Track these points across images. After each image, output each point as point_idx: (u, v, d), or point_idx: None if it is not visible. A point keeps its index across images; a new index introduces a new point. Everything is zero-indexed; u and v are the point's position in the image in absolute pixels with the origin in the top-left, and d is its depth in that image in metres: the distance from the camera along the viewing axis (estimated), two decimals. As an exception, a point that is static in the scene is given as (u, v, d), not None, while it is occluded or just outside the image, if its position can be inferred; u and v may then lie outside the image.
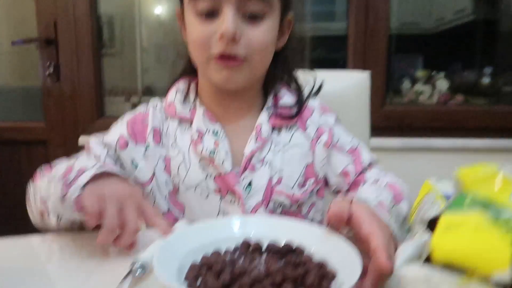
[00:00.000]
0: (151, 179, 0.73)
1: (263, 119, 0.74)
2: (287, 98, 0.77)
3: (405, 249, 0.36)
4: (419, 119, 1.61)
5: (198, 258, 0.48)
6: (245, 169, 0.72)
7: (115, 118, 0.79)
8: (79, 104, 1.73)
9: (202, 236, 0.51)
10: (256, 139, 0.73)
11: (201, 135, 0.72)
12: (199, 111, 0.74)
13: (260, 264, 0.46)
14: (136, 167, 0.72)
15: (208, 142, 0.71)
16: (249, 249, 0.50)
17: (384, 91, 1.61)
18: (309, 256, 0.49)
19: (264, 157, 0.73)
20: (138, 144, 0.73)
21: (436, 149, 1.56)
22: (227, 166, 0.71)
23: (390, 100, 1.75)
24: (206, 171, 0.72)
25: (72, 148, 1.61)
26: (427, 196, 0.53)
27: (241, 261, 0.47)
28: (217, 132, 0.72)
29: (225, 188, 0.71)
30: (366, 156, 0.77)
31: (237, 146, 0.73)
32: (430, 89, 1.75)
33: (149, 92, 2.08)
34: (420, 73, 1.84)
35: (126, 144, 0.73)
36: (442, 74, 1.77)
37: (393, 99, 1.81)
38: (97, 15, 1.76)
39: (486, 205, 0.30)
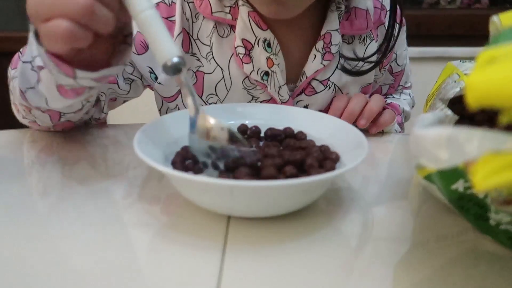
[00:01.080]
0: (176, 96, 0.60)
1: (333, 24, 0.57)
2: (360, 0, 0.59)
3: (425, 118, 0.31)
4: (439, 26, 1.49)
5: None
6: (302, 91, 0.58)
7: None
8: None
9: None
10: (324, 56, 0.57)
11: (248, 48, 0.55)
12: (243, 11, 0.54)
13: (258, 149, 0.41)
14: (155, 79, 0.58)
15: (259, 60, 0.55)
16: (246, 134, 0.46)
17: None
18: (312, 141, 0.44)
19: (329, 77, 0.59)
20: None
21: (457, 58, 1.46)
22: (284, 95, 0.57)
23: (407, 6, 1.61)
24: (252, 94, 0.58)
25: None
26: (450, 78, 0.47)
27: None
28: (269, 43, 0.55)
29: None
30: (403, 79, 0.74)
31: (292, 59, 0.57)
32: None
33: None
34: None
35: (145, 48, 0.56)
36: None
37: (411, 4, 1.67)
38: None
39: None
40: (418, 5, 1.66)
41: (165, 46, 0.35)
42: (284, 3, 0.48)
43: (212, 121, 0.39)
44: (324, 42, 0.56)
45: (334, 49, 0.57)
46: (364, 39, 0.60)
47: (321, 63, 0.57)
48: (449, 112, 0.36)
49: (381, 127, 0.58)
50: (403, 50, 0.70)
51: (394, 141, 0.59)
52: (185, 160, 0.41)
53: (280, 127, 0.47)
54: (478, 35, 1.48)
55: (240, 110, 0.49)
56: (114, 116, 1.02)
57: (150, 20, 0.35)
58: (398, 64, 0.70)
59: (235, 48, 0.56)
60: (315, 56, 0.57)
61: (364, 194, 0.42)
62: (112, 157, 0.49)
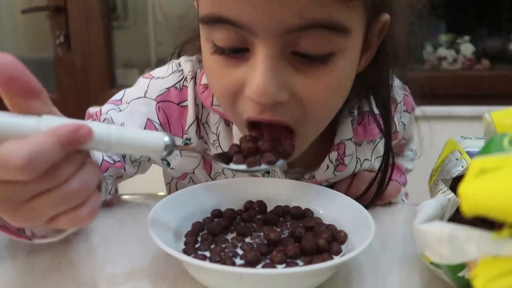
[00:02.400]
0: (185, 176, 0.59)
1: (346, 133, 0.54)
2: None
3: (427, 207, 0.32)
4: (441, 86, 1.53)
5: (198, 220, 0.45)
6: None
7: (126, 88, 0.60)
8: (90, 74, 1.71)
9: (203, 197, 0.48)
10: (336, 167, 0.55)
11: None
12: None
13: (267, 233, 0.42)
14: (168, 165, 0.56)
15: None
16: (251, 211, 0.47)
17: (404, 54, 1.54)
18: (319, 219, 0.45)
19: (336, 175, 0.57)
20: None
21: (460, 117, 1.49)
22: None
23: (411, 67, 1.67)
24: None
25: (84, 119, 1.60)
26: (451, 154, 0.48)
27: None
28: None
29: None
30: (409, 146, 0.74)
31: (301, 160, 0.50)
32: (454, 54, 1.65)
33: (163, 64, 2.05)
34: (444, 37, 1.74)
35: None
36: (467, 38, 1.67)
37: (414, 65, 1.73)
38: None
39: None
40: (421, 66, 1.72)
41: (150, 143, 0.34)
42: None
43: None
44: (338, 153, 0.55)
45: (347, 160, 0.56)
46: (373, 140, 0.59)
47: (333, 173, 0.56)
48: (451, 195, 0.37)
49: (386, 199, 0.58)
50: (412, 131, 0.71)
51: (403, 212, 0.59)
52: (197, 237, 0.42)
53: (287, 202, 0.48)
54: (480, 95, 1.51)
55: (244, 185, 0.50)
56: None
57: (121, 141, 0.32)
58: (404, 138, 0.70)
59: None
60: (328, 166, 0.55)
61: (372, 270, 0.42)
62: (119, 232, 0.50)
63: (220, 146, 0.55)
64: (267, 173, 0.56)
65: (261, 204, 0.47)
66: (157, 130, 0.54)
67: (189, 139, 0.55)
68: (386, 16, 0.44)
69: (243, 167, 0.41)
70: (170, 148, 0.34)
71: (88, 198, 0.31)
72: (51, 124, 0.29)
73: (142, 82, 0.56)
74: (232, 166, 0.41)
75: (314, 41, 0.36)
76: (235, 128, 0.53)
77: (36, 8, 1.67)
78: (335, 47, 0.37)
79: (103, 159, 0.52)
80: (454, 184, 0.43)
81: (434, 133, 1.72)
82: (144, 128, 0.54)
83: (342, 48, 0.38)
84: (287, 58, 0.38)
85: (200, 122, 0.55)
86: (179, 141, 0.55)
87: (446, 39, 1.72)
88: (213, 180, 0.59)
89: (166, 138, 0.34)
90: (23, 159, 0.26)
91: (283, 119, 0.41)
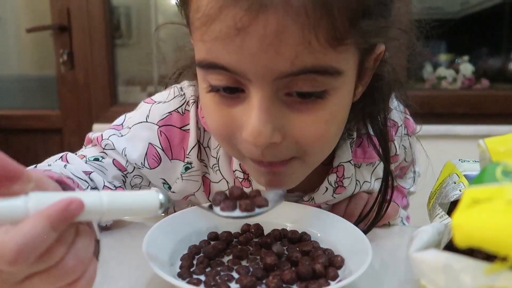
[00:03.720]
0: (185, 198, 0.59)
1: (345, 155, 0.54)
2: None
3: (423, 233, 0.32)
4: (441, 105, 1.54)
5: (194, 243, 0.45)
6: None
7: (128, 105, 0.61)
8: (93, 91, 1.72)
9: (199, 220, 0.48)
10: (335, 190, 0.55)
11: (247, 172, 0.53)
12: None
13: (263, 257, 0.41)
14: (169, 188, 0.57)
15: (258, 186, 0.51)
16: (248, 234, 0.47)
17: (404, 76, 1.55)
18: (316, 242, 0.45)
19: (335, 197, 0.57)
20: (174, 160, 0.55)
21: (460, 136, 1.49)
22: None
23: (411, 86, 1.68)
24: None
25: (85, 136, 1.61)
26: (449, 178, 0.48)
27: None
28: None
29: None
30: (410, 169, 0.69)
31: (300, 184, 0.49)
32: (453, 74, 1.67)
33: (164, 82, 2.07)
34: (443, 57, 1.76)
35: (158, 161, 0.54)
36: (466, 58, 1.68)
37: (414, 84, 1.74)
38: (113, 5, 1.75)
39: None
40: (421, 85, 1.73)
41: (144, 204, 0.33)
42: (279, 174, 0.44)
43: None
44: (337, 176, 0.54)
45: (346, 182, 0.55)
46: (372, 162, 0.59)
47: (332, 195, 0.55)
48: (448, 220, 0.37)
49: (384, 221, 0.58)
50: (414, 153, 0.69)
51: (403, 236, 0.59)
52: (193, 260, 0.42)
53: (284, 225, 0.48)
54: (480, 114, 1.52)
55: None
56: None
57: (114, 206, 0.31)
58: (406, 161, 0.68)
59: (234, 171, 0.54)
60: (327, 189, 0.55)
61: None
62: (118, 253, 0.50)
63: (219, 170, 0.55)
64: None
65: (258, 227, 0.47)
66: (159, 154, 0.54)
67: (191, 163, 0.55)
68: (381, 47, 0.44)
69: (233, 213, 0.40)
70: (166, 205, 0.33)
71: (85, 270, 0.30)
72: (39, 202, 0.28)
73: (143, 107, 0.57)
74: (219, 212, 0.40)
75: (307, 83, 0.37)
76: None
77: (41, 27, 1.69)
78: (328, 86, 0.38)
79: (104, 185, 0.52)
80: (452, 208, 0.42)
81: (435, 152, 1.72)
82: (146, 152, 0.54)
83: (336, 86, 0.39)
84: (281, 99, 0.39)
85: (201, 146, 0.55)
86: (180, 165, 0.55)
87: (446, 59, 1.73)
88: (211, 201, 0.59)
89: (161, 197, 0.33)
90: (12, 253, 0.25)
91: (280, 155, 0.42)
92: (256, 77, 0.37)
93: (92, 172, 0.52)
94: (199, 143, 0.55)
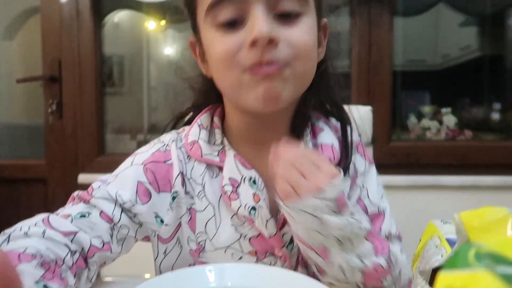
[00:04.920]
0: (175, 232, 0.60)
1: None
2: (325, 136, 0.62)
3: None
4: (426, 155, 1.56)
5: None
6: (284, 223, 0.57)
7: (116, 155, 0.65)
8: (80, 141, 1.72)
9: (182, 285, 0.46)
10: None
11: (235, 186, 0.57)
12: (229, 155, 0.59)
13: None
14: (162, 222, 0.58)
15: (246, 196, 0.56)
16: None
17: (389, 127, 1.58)
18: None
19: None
20: (161, 193, 0.58)
21: (445, 186, 1.50)
22: (271, 228, 0.56)
23: (397, 136, 1.71)
24: (240, 231, 0.58)
25: (71, 187, 1.58)
26: (431, 240, 0.48)
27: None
28: (254, 181, 0.57)
29: (264, 250, 0.58)
30: (385, 226, 0.62)
31: (273, 194, 0.56)
32: (437, 125, 1.71)
33: (155, 130, 2.08)
34: (427, 109, 1.80)
35: (149, 195, 0.57)
36: (449, 109, 1.73)
37: (400, 135, 1.77)
38: (105, 55, 1.80)
39: (496, 259, 0.25)
40: (407, 135, 1.76)
41: None
42: (275, 80, 0.51)
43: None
44: None
45: None
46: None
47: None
48: (430, 290, 0.36)
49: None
50: (376, 189, 0.65)
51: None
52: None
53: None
54: (465, 165, 1.54)
55: (208, 272, 0.48)
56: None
57: None
58: (371, 202, 0.63)
59: (223, 187, 0.57)
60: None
61: None
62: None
63: (206, 196, 0.58)
64: (253, 209, 0.56)
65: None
66: (148, 189, 0.57)
67: (177, 192, 0.58)
68: (324, 20, 0.59)
69: None
70: None
71: None
72: None
73: (127, 159, 0.61)
74: None
75: (288, 3, 0.52)
76: (225, 172, 0.58)
77: (32, 78, 1.72)
78: (301, 9, 0.53)
79: (90, 244, 0.51)
80: (434, 276, 0.42)
81: (422, 202, 1.73)
82: (136, 190, 0.56)
83: (305, 11, 0.53)
84: (274, 16, 0.51)
85: (185, 178, 0.59)
86: (168, 197, 0.58)
87: (429, 111, 1.78)
88: (195, 240, 0.59)
89: None
90: None
91: (277, 56, 0.51)
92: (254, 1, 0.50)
93: (77, 232, 0.51)
94: (182, 175, 0.58)
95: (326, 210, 0.49)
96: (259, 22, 0.49)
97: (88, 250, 0.51)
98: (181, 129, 0.64)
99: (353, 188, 0.62)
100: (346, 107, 0.65)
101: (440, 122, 1.71)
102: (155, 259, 0.63)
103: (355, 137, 0.65)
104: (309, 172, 0.50)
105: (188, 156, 0.60)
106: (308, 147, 0.60)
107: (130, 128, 2.06)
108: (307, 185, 0.49)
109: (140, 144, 0.70)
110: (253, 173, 0.57)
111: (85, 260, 0.51)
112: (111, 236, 0.54)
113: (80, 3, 1.69)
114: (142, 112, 2.15)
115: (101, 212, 0.54)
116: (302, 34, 0.53)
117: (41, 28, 1.71)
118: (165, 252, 0.61)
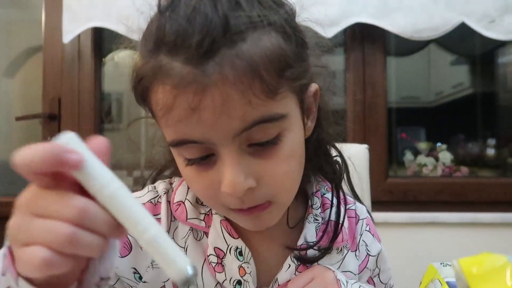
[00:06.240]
0: None
1: (310, 236, 0.57)
2: (328, 196, 0.60)
3: None
4: (423, 192, 1.56)
5: None
6: None
7: None
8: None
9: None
10: (297, 268, 0.55)
11: (221, 256, 0.55)
12: (216, 220, 0.55)
13: None
14: (139, 278, 0.55)
15: (231, 268, 0.54)
16: None
17: (386, 164, 1.59)
18: None
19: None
20: None
21: (443, 223, 1.50)
22: None
23: (393, 173, 1.72)
24: None
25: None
26: (432, 283, 0.48)
27: None
28: (240, 251, 0.54)
29: None
30: None
31: (265, 264, 0.56)
32: (433, 162, 1.72)
33: (151, 167, 2.08)
34: (422, 145, 1.82)
35: (129, 248, 0.55)
36: (444, 146, 1.75)
37: (396, 172, 1.78)
38: (105, 92, 1.82)
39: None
40: (403, 172, 1.77)
41: (178, 260, 0.32)
42: (260, 217, 0.49)
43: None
44: (300, 253, 0.56)
45: (311, 260, 0.56)
46: (341, 250, 0.59)
47: (295, 273, 0.56)
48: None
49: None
50: (387, 267, 0.66)
51: None
52: None
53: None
54: (462, 202, 1.54)
55: None
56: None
57: (157, 240, 0.32)
58: (381, 281, 0.65)
59: (208, 256, 0.55)
60: (289, 265, 0.55)
61: None
62: None
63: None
64: (238, 283, 0.54)
65: None
66: (130, 241, 0.55)
67: None
68: (313, 86, 0.52)
69: None
70: (189, 281, 0.32)
71: None
72: None
73: None
74: None
75: (261, 132, 0.44)
76: (210, 240, 0.55)
77: (31, 116, 1.73)
78: (279, 129, 0.45)
79: None
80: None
81: (420, 239, 1.72)
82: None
83: (286, 127, 0.46)
84: (246, 150, 0.45)
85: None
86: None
87: (425, 147, 1.80)
88: None
89: (190, 271, 0.32)
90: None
91: (259, 199, 0.47)
92: (219, 140, 0.43)
93: None
94: (167, 233, 0.56)
95: None
96: (231, 174, 0.43)
97: None
98: (174, 179, 0.61)
99: (363, 270, 0.62)
100: (340, 145, 0.64)
101: (436, 159, 1.72)
102: None
103: (363, 215, 0.64)
104: None
105: (173, 216, 0.58)
106: (318, 216, 0.58)
107: (127, 165, 2.06)
108: None
109: (137, 180, 0.68)
110: (239, 243, 0.54)
111: None
112: None
113: (82, 44, 1.73)
114: (139, 148, 2.16)
115: None
116: (282, 166, 0.46)
117: (43, 67, 1.74)
118: None
